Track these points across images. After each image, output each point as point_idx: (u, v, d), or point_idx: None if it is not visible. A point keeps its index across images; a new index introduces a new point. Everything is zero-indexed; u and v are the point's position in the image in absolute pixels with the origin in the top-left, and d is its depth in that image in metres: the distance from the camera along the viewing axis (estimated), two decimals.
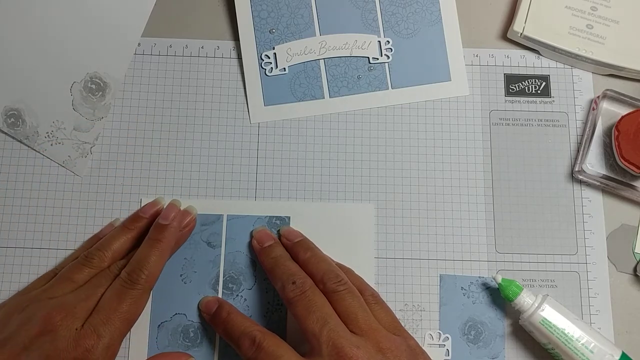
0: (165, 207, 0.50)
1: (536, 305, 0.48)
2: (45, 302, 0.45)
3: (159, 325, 0.50)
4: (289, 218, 0.52)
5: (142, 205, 0.52)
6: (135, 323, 0.49)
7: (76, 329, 0.43)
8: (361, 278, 0.49)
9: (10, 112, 0.54)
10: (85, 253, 0.48)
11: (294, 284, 0.45)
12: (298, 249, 0.49)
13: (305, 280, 0.46)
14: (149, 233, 0.49)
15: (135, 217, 0.51)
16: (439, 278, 0.52)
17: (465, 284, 0.52)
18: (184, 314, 0.51)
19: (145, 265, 0.46)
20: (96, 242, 0.50)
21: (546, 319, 0.48)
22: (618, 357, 0.47)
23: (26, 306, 0.45)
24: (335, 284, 0.45)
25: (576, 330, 0.47)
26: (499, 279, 0.49)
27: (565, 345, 0.47)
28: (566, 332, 0.47)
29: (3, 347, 0.42)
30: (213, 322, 0.49)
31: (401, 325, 0.46)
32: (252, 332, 0.44)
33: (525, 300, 0.49)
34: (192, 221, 0.51)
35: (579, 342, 0.47)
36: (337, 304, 0.44)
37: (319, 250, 0.50)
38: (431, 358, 0.45)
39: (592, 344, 0.47)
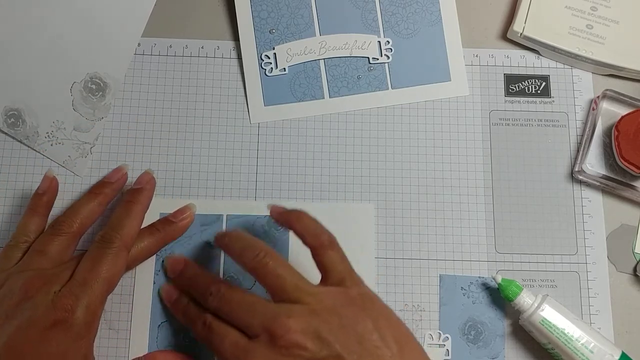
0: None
1: (536, 305, 0.48)
2: (24, 273, 0.44)
3: (159, 325, 0.50)
4: None
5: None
6: (135, 323, 0.48)
7: (54, 292, 0.43)
8: (316, 222, 0.46)
9: (11, 112, 0.54)
10: (52, 223, 0.48)
11: (211, 295, 0.44)
12: (218, 242, 0.47)
13: (219, 286, 0.45)
14: (123, 197, 0.49)
15: (100, 183, 0.51)
16: (438, 278, 0.52)
17: (465, 284, 0.52)
18: None
19: (119, 225, 0.46)
20: (38, 200, 0.50)
21: (546, 319, 0.48)
22: (618, 357, 0.47)
23: (5, 281, 0.44)
24: (254, 260, 0.43)
25: (576, 330, 0.47)
26: (499, 278, 0.49)
27: (565, 345, 0.47)
28: (566, 332, 0.47)
29: None
30: (173, 310, 0.49)
31: (353, 274, 0.45)
32: (204, 316, 0.44)
33: (525, 300, 0.49)
34: (190, 215, 0.51)
35: (579, 342, 0.47)
36: (263, 279, 0.43)
37: (237, 231, 0.47)
38: (382, 304, 0.44)
39: (592, 344, 0.47)
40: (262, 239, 0.51)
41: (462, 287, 0.52)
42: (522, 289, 0.49)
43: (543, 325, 0.48)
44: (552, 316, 0.48)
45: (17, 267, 0.46)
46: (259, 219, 0.52)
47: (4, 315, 0.42)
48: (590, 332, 0.47)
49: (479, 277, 0.52)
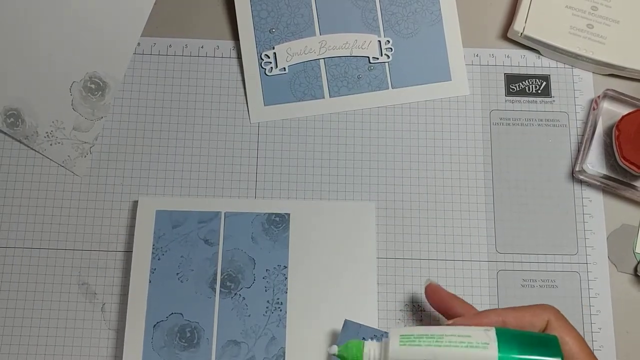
0: None
1: (385, 341, 0.41)
2: None
3: (155, 325, 0.50)
4: (288, 215, 0.52)
5: (138, 205, 0.52)
6: (130, 323, 0.48)
7: None
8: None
9: (10, 112, 0.54)
10: None
11: None
12: None
13: None
14: None
15: None
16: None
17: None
18: (181, 314, 0.50)
19: None
20: None
21: (405, 336, 0.40)
22: (494, 330, 0.39)
23: None
24: None
25: (437, 329, 0.40)
26: (334, 350, 0.41)
27: (440, 344, 0.39)
28: (430, 333, 0.40)
29: None
30: None
31: None
32: None
33: (372, 351, 0.41)
34: None
35: (449, 333, 0.39)
36: None
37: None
38: None
39: (462, 330, 0.40)
40: (262, 236, 0.52)
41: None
42: (362, 343, 0.41)
43: (407, 344, 0.39)
44: (408, 332, 0.40)
45: None
46: (258, 216, 0.52)
47: None
48: (453, 326, 0.41)
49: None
